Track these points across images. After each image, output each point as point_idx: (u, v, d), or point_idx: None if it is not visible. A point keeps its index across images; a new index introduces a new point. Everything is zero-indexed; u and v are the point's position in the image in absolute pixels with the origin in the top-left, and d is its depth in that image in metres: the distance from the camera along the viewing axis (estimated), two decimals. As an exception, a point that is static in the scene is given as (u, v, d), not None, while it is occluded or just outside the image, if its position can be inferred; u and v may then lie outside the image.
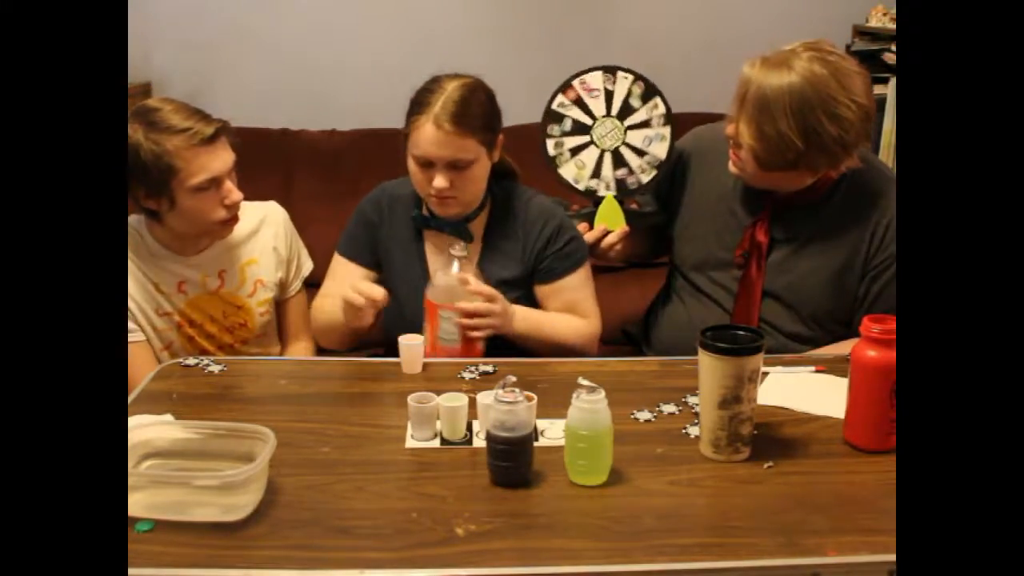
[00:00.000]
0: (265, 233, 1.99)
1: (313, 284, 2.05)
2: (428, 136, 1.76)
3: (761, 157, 1.71)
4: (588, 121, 1.91)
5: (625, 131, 1.90)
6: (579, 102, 1.90)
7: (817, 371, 1.68)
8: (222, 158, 1.79)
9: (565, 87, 1.92)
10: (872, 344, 1.37)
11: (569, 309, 1.92)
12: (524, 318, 1.84)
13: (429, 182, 1.80)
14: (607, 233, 1.92)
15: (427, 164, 1.79)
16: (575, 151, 1.92)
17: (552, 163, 1.94)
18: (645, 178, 1.92)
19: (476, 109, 1.79)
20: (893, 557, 1.06)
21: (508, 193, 1.95)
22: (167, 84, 3.29)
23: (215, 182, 1.78)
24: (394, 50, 3.30)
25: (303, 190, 2.72)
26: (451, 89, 1.79)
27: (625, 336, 2.44)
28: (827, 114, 1.65)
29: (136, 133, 1.73)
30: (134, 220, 1.90)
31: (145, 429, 1.34)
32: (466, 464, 1.38)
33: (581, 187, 1.94)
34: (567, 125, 1.91)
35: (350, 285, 1.74)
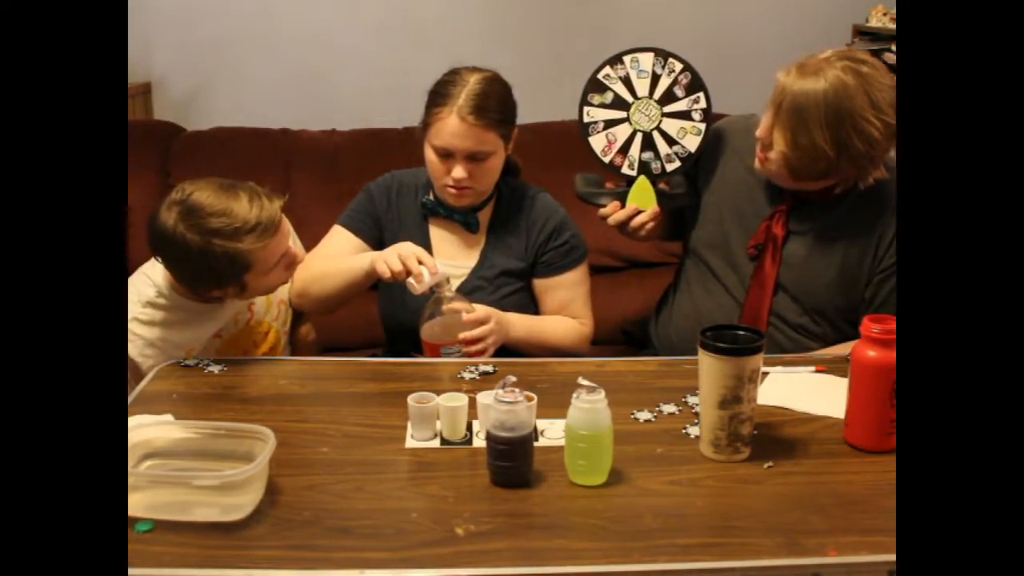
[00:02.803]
0: None
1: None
2: (451, 128, 1.79)
3: (794, 165, 1.73)
4: (629, 99, 1.90)
5: (662, 117, 1.90)
6: (626, 79, 1.90)
7: (817, 371, 1.68)
8: (287, 229, 1.73)
9: (615, 61, 1.90)
10: (872, 344, 1.37)
11: (564, 305, 1.96)
12: (520, 325, 1.86)
13: (447, 172, 1.82)
14: (637, 213, 1.92)
15: (447, 155, 1.82)
16: (609, 124, 1.92)
17: (584, 131, 1.93)
18: (669, 167, 1.92)
19: (496, 102, 1.82)
20: (893, 557, 1.06)
21: (514, 188, 1.98)
22: (167, 84, 3.30)
23: (285, 254, 1.73)
24: (394, 50, 3.30)
25: (303, 190, 2.71)
26: (472, 82, 1.81)
27: (625, 336, 2.44)
28: (855, 129, 1.67)
29: (192, 234, 1.61)
30: (154, 284, 1.78)
31: (145, 429, 1.34)
32: (466, 464, 1.38)
33: (606, 160, 1.94)
34: (608, 98, 1.91)
35: (411, 252, 1.72)
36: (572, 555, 1.15)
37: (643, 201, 1.92)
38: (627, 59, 1.90)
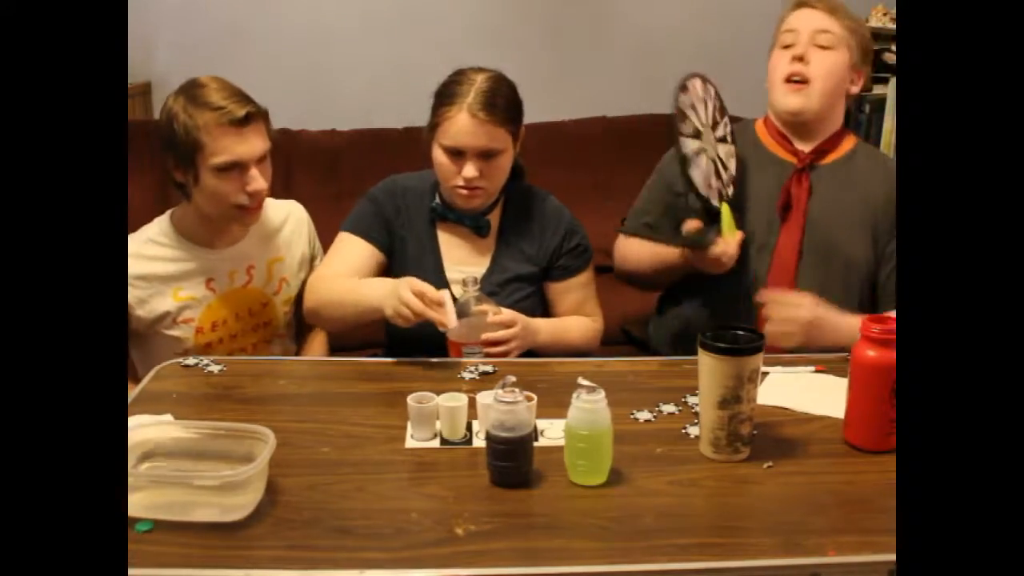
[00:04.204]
0: (289, 231, 2.00)
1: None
2: (462, 125, 1.78)
3: (856, 47, 1.90)
4: (700, 127, 1.83)
5: (716, 143, 1.86)
6: (692, 107, 1.82)
7: (817, 371, 1.68)
8: (250, 144, 1.77)
9: (683, 88, 1.81)
10: (872, 344, 1.37)
11: (578, 306, 1.96)
12: (546, 331, 1.86)
13: (458, 172, 1.81)
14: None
15: (457, 154, 1.80)
16: (696, 154, 1.82)
17: (685, 165, 1.80)
18: (730, 191, 1.86)
19: (505, 100, 1.82)
20: (893, 557, 1.06)
21: (523, 191, 1.97)
22: (167, 84, 3.29)
23: (238, 166, 1.76)
24: (395, 50, 3.31)
25: (303, 190, 2.72)
26: (480, 80, 1.81)
27: (626, 336, 2.44)
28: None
29: (176, 104, 1.79)
30: (159, 224, 1.90)
31: (145, 429, 1.34)
32: (466, 464, 1.38)
33: (703, 192, 1.82)
34: (689, 128, 1.81)
35: (409, 286, 1.66)
36: (572, 555, 1.15)
37: (732, 229, 1.83)
38: (688, 84, 1.83)
